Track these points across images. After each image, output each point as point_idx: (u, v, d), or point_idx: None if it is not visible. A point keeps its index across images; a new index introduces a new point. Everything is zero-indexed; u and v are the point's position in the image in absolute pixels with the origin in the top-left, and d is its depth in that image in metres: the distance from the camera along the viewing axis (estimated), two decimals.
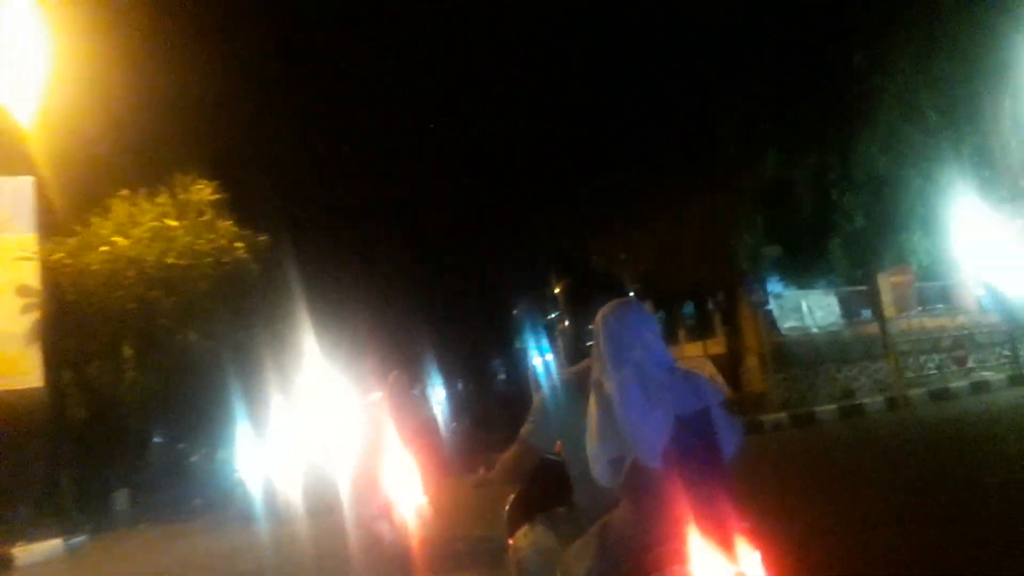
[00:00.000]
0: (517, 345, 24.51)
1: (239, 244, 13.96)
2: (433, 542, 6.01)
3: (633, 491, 2.35)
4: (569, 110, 18.54)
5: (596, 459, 2.40)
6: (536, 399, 2.84)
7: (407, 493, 5.93)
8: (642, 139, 18.43)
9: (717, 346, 18.19)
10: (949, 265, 20.12)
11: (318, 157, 19.22)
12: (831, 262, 19.56)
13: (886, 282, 20.13)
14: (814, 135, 18.66)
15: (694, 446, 2.34)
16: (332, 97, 19.80)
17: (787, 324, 19.05)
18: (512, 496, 3.14)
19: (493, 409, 23.76)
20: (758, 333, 17.66)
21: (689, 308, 20.14)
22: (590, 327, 2.59)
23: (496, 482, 3.04)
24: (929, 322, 19.50)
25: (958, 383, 16.45)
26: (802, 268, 19.60)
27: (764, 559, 2.28)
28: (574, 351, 3.10)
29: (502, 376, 27.61)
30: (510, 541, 3.02)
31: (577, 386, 2.68)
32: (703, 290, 19.16)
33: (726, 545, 2.23)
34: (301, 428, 13.36)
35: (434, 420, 7.07)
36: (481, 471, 3.10)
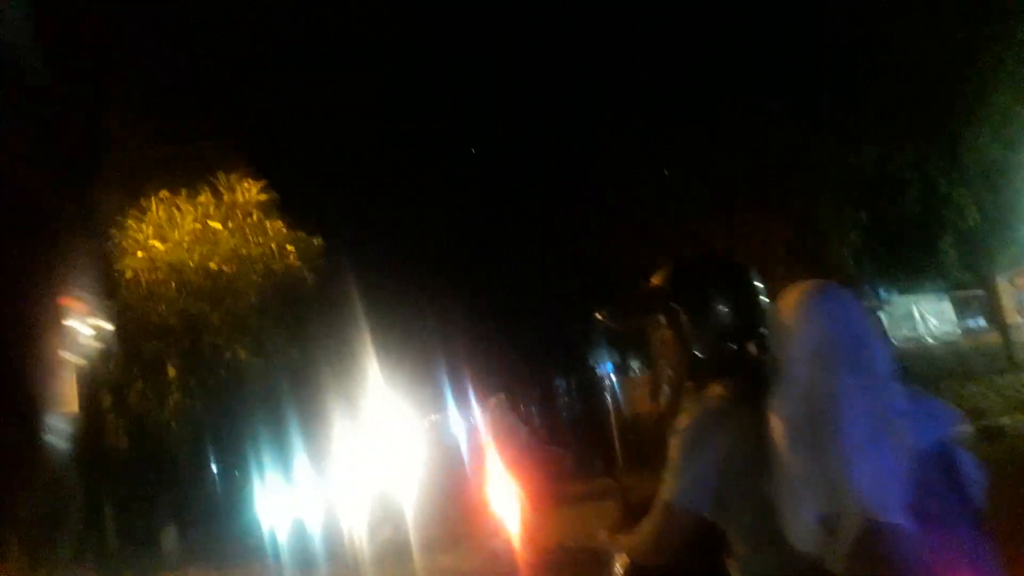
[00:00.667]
0: (590, 362, 22.74)
1: (291, 247, 12.52)
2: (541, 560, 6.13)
3: (865, 560, 1.66)
4: (646, 105, 16.84)
5: (794, 516, 1.75)
6: (677, 443, 2.00)
7: (514, 514, 6.05)
8: (724, 134, 16.62)
9: None
10: None
11: (379, 154, 17.77)
12: (942, 263, 17.45)
13: (1006, 285, 18.04)
14: (917, 122, 16.71)
15: (943, 493, 1.72)
16: (395, 87, 18.43)
17: (899, 333, 17.06)
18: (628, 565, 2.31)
19: (562, 434, 22.11)
20: None
21: None
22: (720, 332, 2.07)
23: (637, 557, 2.23)
24: None
25: None
26: (910, 270, 17.55)
27: None
28: (697, 366, 2.15)
29: (567, 398, 25.79)
30: None
31: (730, 417, 1.96)
32: None
33: None
34: (364, 454, 11.88)
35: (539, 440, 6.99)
36: (602, 533, 2.35)
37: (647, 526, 2.09)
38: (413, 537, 10.65)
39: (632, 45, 17.31)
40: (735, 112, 16.01)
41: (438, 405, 25.03)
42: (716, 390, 2.03)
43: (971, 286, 17.12)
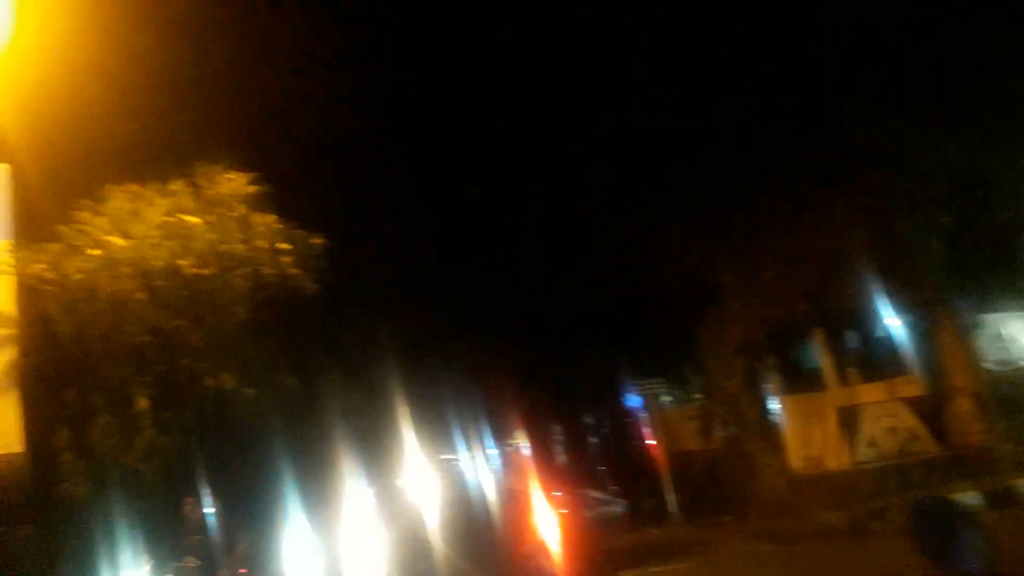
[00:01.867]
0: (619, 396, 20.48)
1: (285, 246, 10.32)
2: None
3: None
4: (705, 101, 14.75)
5: None
6: None
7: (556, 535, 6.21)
8: (792, 130, 14.51)
9: (910, 386, 13.88)
10: None
11: (392, 145, 15.54)
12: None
13: None
14: (1009, 117, 14.63)
15: None
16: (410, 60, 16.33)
17: (994, 356, 14.80)
18: None
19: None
20: (969, 368, 13.43)
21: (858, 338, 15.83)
22: None
23: None
24: None
25: None
26: (997, 285, 15.31)
27: None
28: None
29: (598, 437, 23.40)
30: None
31: None
32: (873, 313, 14.93)
33: None
34: (374, 500, 9.73)
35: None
36: None
37: None
38: None
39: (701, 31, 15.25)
40: (807, 107, 14.01)
41: (454, 444, 22.85)
42: None
43: None
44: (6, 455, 9.42)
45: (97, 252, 9.51)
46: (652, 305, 18.32)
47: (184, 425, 10.81)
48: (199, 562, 7.59)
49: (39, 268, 9.45)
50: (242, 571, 8.20)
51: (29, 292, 9.34)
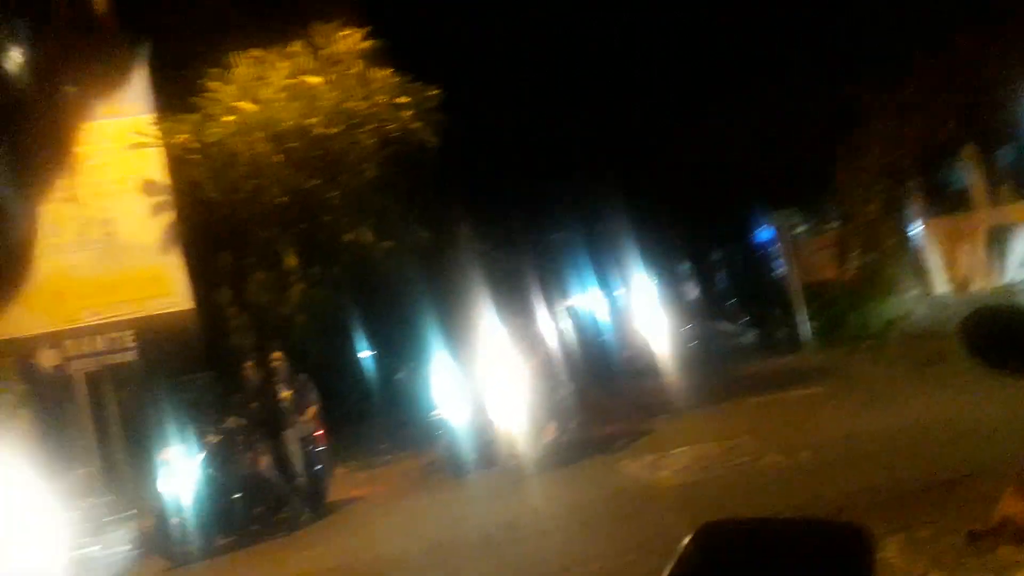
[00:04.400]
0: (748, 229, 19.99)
1: (404, 100, 10.41)
2: None
3: None
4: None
5: None
6: None
7: None
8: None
9: None
10: None
11: None
12: None
13: None
14: None
15: None
16: None
17: None
18: None
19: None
20: None
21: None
22: None
23: None
24: None
25: None
26: None
27: None
28: None
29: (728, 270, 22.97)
30: None
31: None
32: None
33: None
34: (509, 345, 10.11)
35: None
36: (1008, 501, 1.43)
37: None
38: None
39: None
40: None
41: (579, 290, 23.22)
42: None
43: None
44: (180, 311, 10.47)
45: (231, 118, 9.95)
46: (788, 129, 17.44)
47: (331, 279, 11.54)
48: (244, 422, 8.07)
49: (182, 138, 10.02)
50: (317, 432, 8.64)
51: (176, 161, 9.97)
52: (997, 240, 12.01)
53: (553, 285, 19.19)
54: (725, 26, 16.48)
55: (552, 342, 12.33)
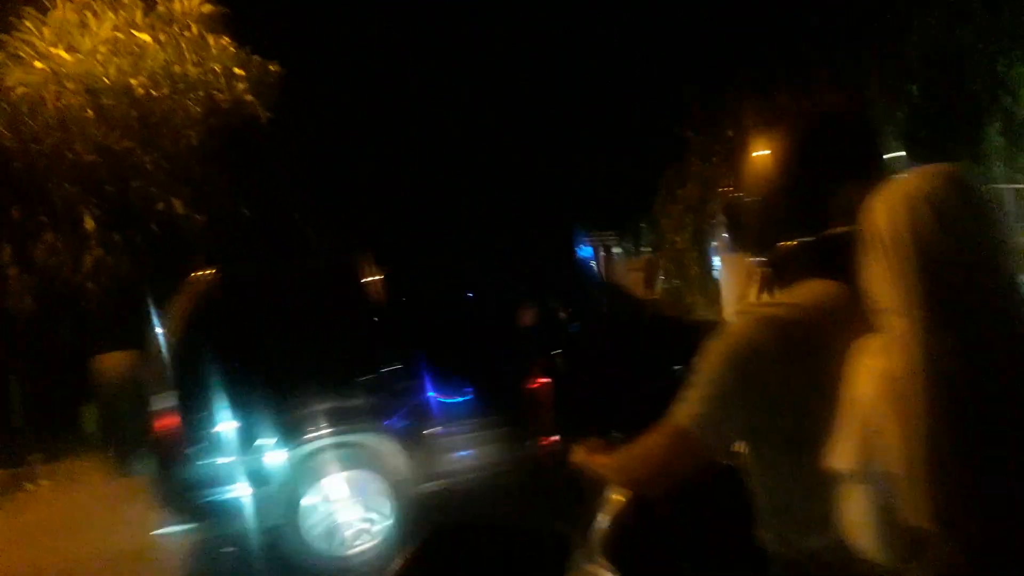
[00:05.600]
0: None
1: (240, 71, 9.93)
2: None
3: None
4: None
5: (908, 512, 1.21)
6: (710, 355, 1.53)
7: None
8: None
9: None
10: None
11: None
12: (986, 151, 15.49)
13: None
14: None
15: None
16: None
17: None
18: (624, 501, 1.82)
19: None
20: None
21: None
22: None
23: (611, 480, 1.74)
24: None
25: None
26: (954, 157, 15.54)
27: None
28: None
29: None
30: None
31: (795, 337, 1.46)
32: None
33: None
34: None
35: None
36: (579, 451, 1.77)
37: (650, 448, 1.57)
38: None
39: None
40: None
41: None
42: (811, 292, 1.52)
43: (1014, 180, 15.31)
44: None
45: (41, 65, 9.05)
46: (616, 157, 18.26)
47: (134, 248, 10.76)
48: None
49: None
50: None
51: None
52: (769, 280, 13.28)
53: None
54: (582, 51, 17.09)
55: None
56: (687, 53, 16.25)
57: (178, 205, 10.57)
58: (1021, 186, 15.80)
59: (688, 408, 1.53)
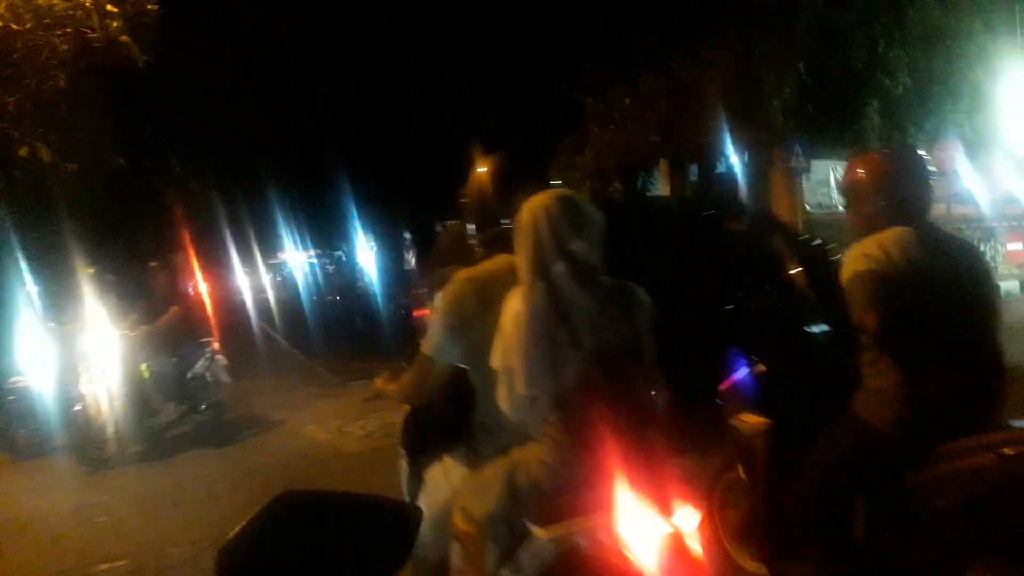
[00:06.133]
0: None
1: (112, 8, 9.21)
2: None
3: (556, 430, 2.17)
4: None
5: (518, 383, 2.17)
6: (438, 307, 2.46)
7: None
8: None
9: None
10: (991, 146, 17.07)
11: None
12: (865, 129, 16.19)
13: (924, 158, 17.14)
14: None
15: (619, 381, 2.17)
16: None
17: (813, 200, 15.92)
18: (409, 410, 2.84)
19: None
20: (792, 208, 14.40)
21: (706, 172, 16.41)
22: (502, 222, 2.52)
23: (397, 399, 2.72)
24: (961, 209, 16.71)
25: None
26: (834, 133, 16.19)
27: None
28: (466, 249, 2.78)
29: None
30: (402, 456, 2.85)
31: (487, 292, 2.40)
32: (719, 151, 15.46)
33: (659, 498, 2.00)
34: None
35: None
36: (379, 381, 2.77)
37: (412, 373, 2.53)
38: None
39: None
40: None
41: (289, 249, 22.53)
42: (489, 266, 2.47)
43: None
44: None
45: None
46: (510, 122, 18.15)
47: None
48: None
49: None
50: None
51: None
52: None
53: (262, 242, 18.41)
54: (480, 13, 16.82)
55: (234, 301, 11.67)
56: (586, 18, 16.21)
57: (44, 151, 9.78)
58: None
59: (428, 342, 2.42)
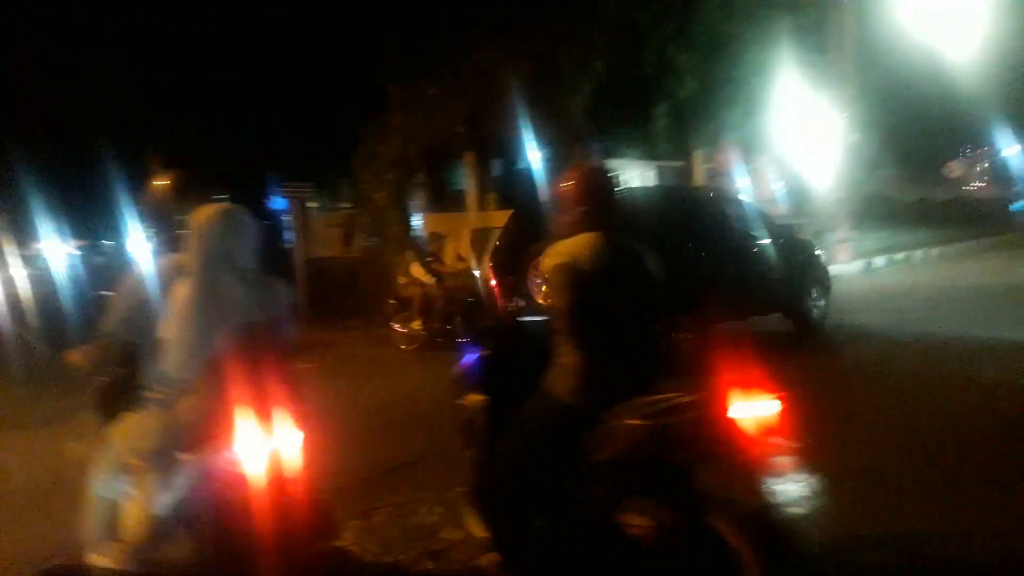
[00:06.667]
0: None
1: None
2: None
3: (205, 384, 2.83)
4: None
5: (182, 351, 2.85)
6: (124, 292, 3.25)
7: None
8: None
9: None
10: (760, 149, 18.55)
11: None
12: (654, 131, 17.04)
13: (702, 161, 18.33)
14: None
15: (254, 348, 2.85)
16: None
17: None
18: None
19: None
20: None
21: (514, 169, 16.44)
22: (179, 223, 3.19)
23: (90, 371, 3.30)
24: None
25: None
26: (627, 133, 16.87)
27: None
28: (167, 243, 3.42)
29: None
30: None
31: (165, 277, 3.12)
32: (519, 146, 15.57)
33: (266, 424, 2.73)
34: None
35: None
36: (72, 354, 3.34)
37: (95, 349, 3.32)
38: None
39: None
40: None
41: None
42: (172, 259, 3.28)
43: (675, 158, 17.04)
44: None
45: None
46: (313, 108, 17.35)
47: None
48: None
49: None
50: None
51: None
52: (477, 240, 13.33)
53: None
54: None
55: None
56: (390, 3, 15.78)
57: None
58: (679, 164, 17.71)
59: (111, 321, 3.26)
